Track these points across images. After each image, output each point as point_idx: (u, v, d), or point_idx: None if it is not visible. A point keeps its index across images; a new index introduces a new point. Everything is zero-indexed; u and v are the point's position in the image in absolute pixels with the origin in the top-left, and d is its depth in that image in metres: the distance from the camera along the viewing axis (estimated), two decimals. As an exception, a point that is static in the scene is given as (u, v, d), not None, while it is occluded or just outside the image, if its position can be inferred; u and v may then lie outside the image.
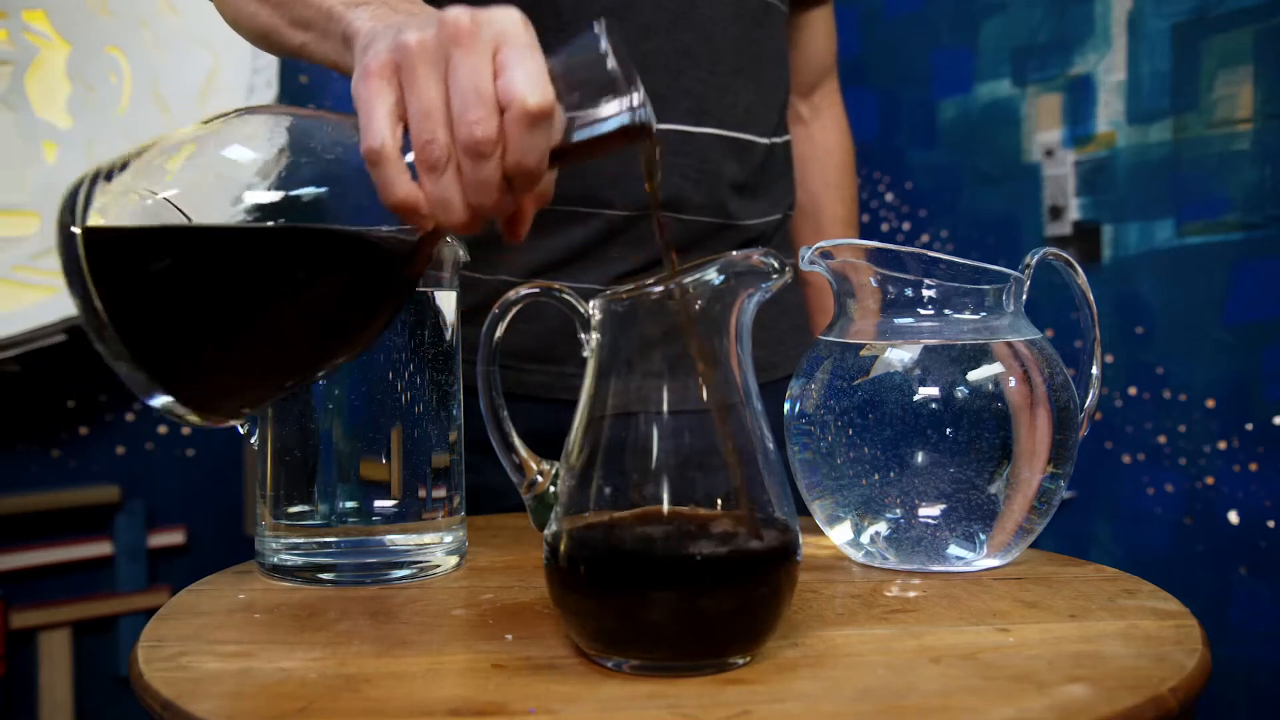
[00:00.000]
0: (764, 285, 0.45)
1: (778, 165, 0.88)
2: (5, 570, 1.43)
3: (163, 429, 1.59)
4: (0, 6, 1.41)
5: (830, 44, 1.00)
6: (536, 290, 0.52)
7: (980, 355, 0.57)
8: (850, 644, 0.47)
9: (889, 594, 0.54)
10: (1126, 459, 1.17)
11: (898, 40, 1.39)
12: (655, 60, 0.79)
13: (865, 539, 0.58)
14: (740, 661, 0.44)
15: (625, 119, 0.43)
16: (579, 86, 0.44)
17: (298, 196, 0.44)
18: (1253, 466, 1.08)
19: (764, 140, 0.85)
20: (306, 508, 0.59)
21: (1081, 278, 0.62)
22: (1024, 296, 0.60)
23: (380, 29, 0.46)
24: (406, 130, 0.43)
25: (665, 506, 0.43)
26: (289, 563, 0.59)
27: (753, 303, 0.46)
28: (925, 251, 0.57)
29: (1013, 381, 0.56)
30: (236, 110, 0.46)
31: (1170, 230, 1.14)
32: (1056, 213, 1.24)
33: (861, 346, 0.58)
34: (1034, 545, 0.62)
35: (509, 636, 0.48)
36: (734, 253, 0.44)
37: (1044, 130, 1.25)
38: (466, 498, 0.63)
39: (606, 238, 0.80)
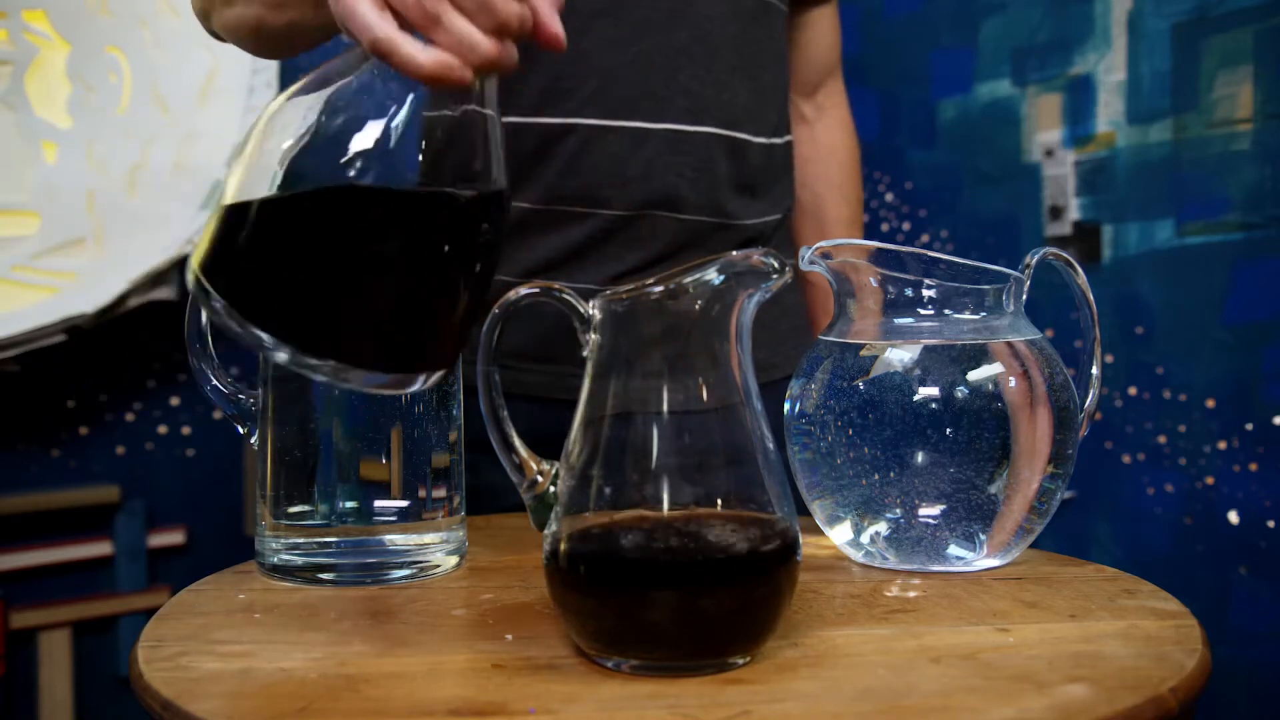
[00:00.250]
0: (764, 285, 0.45)
1: (777, 165, 0.88)
2: (5, 570, 1.43)
3: (163, 429, 1.59)
4: (0, 7, 1.41)
5: (834, 43, 1.00)
6: (536, 290, 0.52)
7: (980, 355, 0.57)
8: (850, 644, 0.47)
9: (889, 594, 0.54)
10: (1126, 459, 1.17)
11: (898, 40, 1.39)
12: (651, 58, 0.79)
13: (865, 539, 0.58)
14: (740, 661, 0.44)
15: None
16: None
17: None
18: (1253, 466, 1.08)
19: (763, 140, 0.85)
20: (306, 508, 0.59)
21: (1081, 278, 0.62)
22: (1024, 296, 0.60)
23: None
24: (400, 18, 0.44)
25: (665, 506, 0.43)
26: (289, 563, 0.59)
27: (753, 303, 0.46)
28: (925, 251, 0.57)
29: (1013, 381, 0.56)
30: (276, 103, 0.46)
31: (1170, 230, 1.14)
32: (1056, 213, 1.24)
33: (861, 346, 0.58)
34: (1034, 545, 0.62)
35: (509, 636, 0.48)
36: (734, 253, 0.44)
37: (1044, 130, 1.25)
38: (466, 498, 0.63)
39: (605, 237, 0.80)
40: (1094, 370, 0.63)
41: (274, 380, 0.59)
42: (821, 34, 0.98)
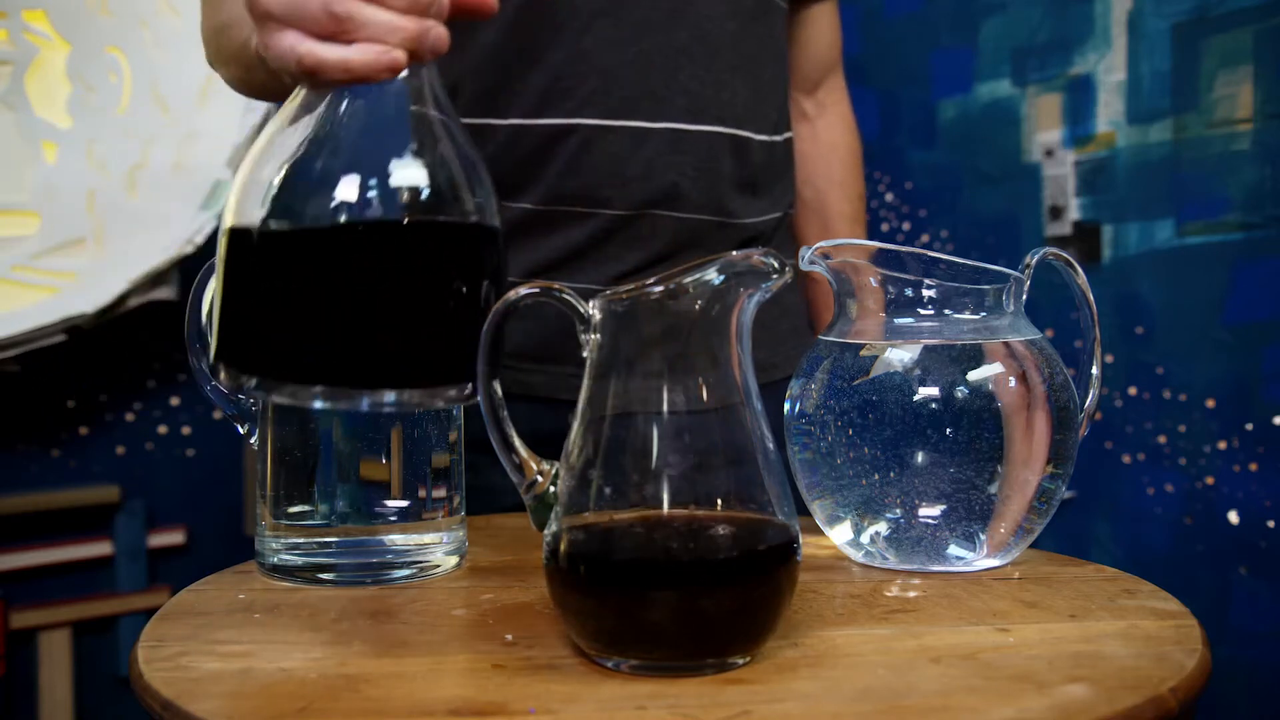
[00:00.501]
0: (764, 285, 0.45)
1: (778, 163, 0.88)
2: (5, 570, 1.43)
3: (163, 429, 1.59)
4: (0, 7, 1.41)
5: (834, 40, 1.00)
6: (536, 290, 0.52)
7: (980, 355, 0.57)
8: (850, 644, 0.47)
9: (889, 594, 0.54)
10: (1126, 459, 1.17)
11: (898, 40, 1.39)
12: (651, 58, 0.79)
13: (865, 539, 0.58)
14: (740, 661, 0.44)
15: None
16: None
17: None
18: (1253, 466, 1.08)
19: (764, 137, 0.84)
20: (306, 508, 0.59)
21: (1081, 278, 0.62)
22: (1024, 296, 0.60)
23: None
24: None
25: (665, 506, 0.43)
26: (289, 563, 0.59)
27: (753, 303, 0.46)
28: (925, 251, 0.57)
29: (1013, 381, 0.56)
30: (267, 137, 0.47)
31: (1170, 230, 1.14)
32: (1056, 213, 1.24)
33: (861, 346, 0.58)
34: (1034, 545, 0.62)
35: (509, 636, 0.48)
36: (734, 253, 0.44)
37: (1044, 130, 1.25)
38: (466, 498, 0.63)
39: (606, 237, 0.80)
40: (1094, 370, 0.63)
41: (274, 380, 0.59)
42: (821, 31, 0.98)
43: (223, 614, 0.53)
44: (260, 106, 1.45)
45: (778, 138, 0.87)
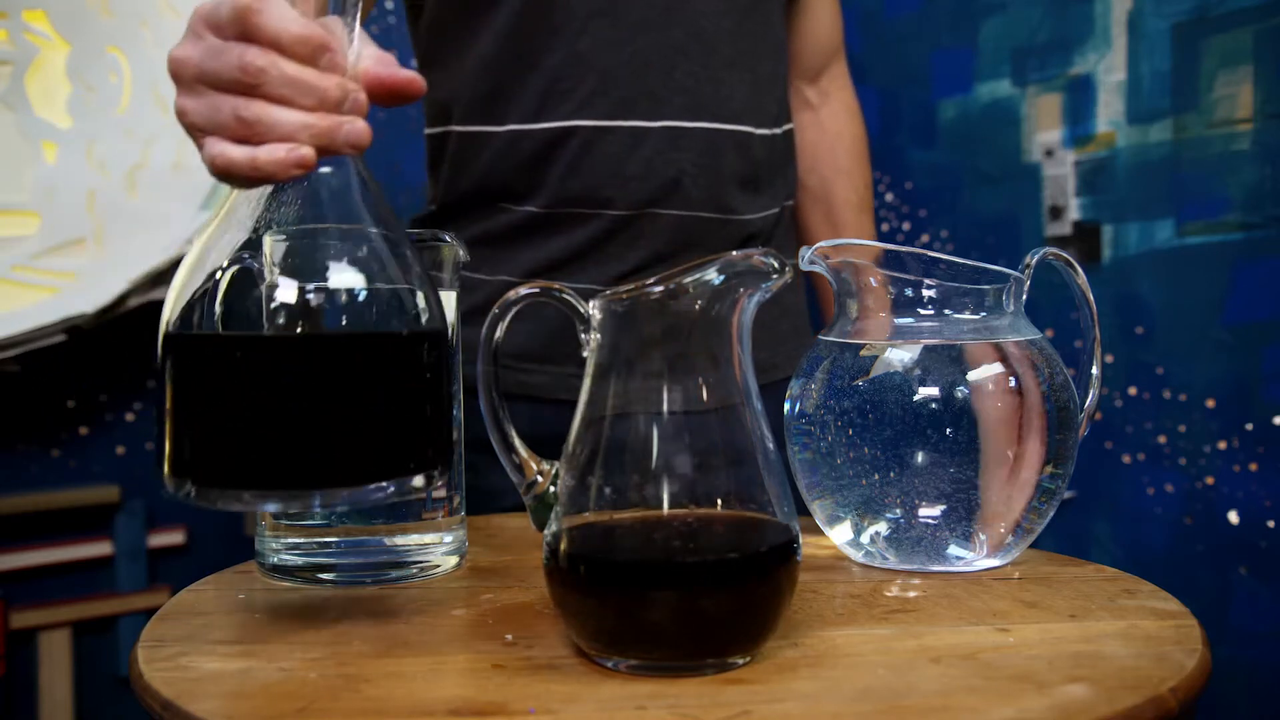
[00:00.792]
0: (764, 285, 0.45)
1: (778, 157, 0.87)
2: (5, 570, 1.43)
3: (163, 429, 1.59)
4: (0, 7, 1.41)
5: (835, 26, 0.99)
6: (536, 290, 0.52)
7: (980, 355, 0.57)
8: (850, 644, 0.47)
9: (889, 594, 0.54)
10: (1126, 459, 1.17)
11: (898, 40, 1.39)
12: (647, 58, 0.79)
13: (865, 539, 0.58)
14: (740, 661, 0.44)
15: None
16: None
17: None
18: (1253, 466, 1.08)
19: (764, 131, 0.84)
20: (306, 508, 0.59)
21: (1081, 278, 0.62)
22: (1024, 296, 0.60)
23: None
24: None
25: (665, 506, 0.43)
26: (289, 563, 0.59)
27: (753, 303, 0.46)
28: (925, 251, 0.57)
29: (1013, 381, 0.56)
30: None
31: (1170, 230, 1.14)
32: (1056, 213, 1.24)
33: (861, 346, 0.58)
34: (1034, 545, 0.62)
35: (509, 636, 0.48)
36: (734, 252, 0.44)
37: (1044, 130, 1.25)
38: (466, 498, 0.63)
39: (606, 237, 0.80)
40: (1094, 370, 0.63)
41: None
42: (821, 18, 0.97)
43: (223, 614, 0.53)
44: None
45: (778, 131, 0.87)
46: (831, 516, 0.59)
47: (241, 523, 1.61)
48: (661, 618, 0.42)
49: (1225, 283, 1.10)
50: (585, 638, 0.45)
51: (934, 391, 0.55)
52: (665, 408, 0.44)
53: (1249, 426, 1.08)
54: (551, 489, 0.54)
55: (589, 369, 0.47)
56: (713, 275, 0.44)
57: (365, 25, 0.54)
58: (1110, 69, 1.18)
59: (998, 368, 0.56)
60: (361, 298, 0.46)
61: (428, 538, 0.60)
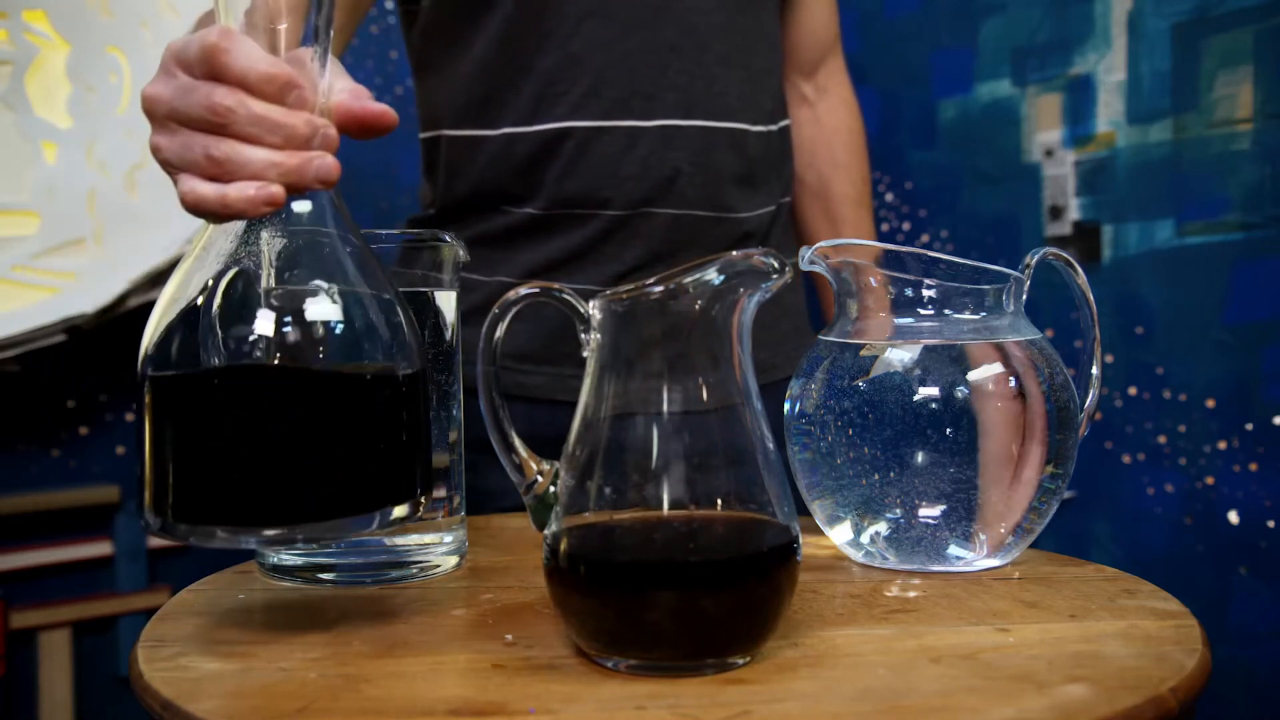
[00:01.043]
0: (764, 285, 0.45)
1: (775, 153, 0.87)
2: (5, 570, 1.43)
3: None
4: (1, 7, 1.41)
5: (831, 21, 0.99)
6: (536, 290, 0.52)
7: (980, 355, 0.57)
8: (850, 644, 0.47)
9: (889, 594, 0.54)
10: (1126, 459, 1.17)
11: (898, 40, 1.39)
12: (639, 57, 0.79)
13: (865, 539, 0.58)
14: (740, 661, 0.44)
15: None
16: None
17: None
18: (1253, 466, 1.08)
19: (760, 128, 0.84)
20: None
21: (1081, 278, 0.62)
22: (1024, 296, 0.60)
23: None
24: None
25: (665, 507, 0.43)
26: (289, 563, 0.59)
27: (753, 303, 0.46)
28: (925, 251, 0.57)
29: (1013, 381, 0.56)
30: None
31: (1170, 230, 1.14)
32: (1056, 213, 1.24)
33: (861, 346, 0.58)
34: (1034, 545, 0.62)
35: (509, 636, 0.48)
36: (734, 252, 0.44)
37: (1044, 130, 1.25)
38: (466, 498, 0.63)
39: (602, 237, 0.80)
40: (1094, 370, 0.63)
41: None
42: (816, 12, 0.97)
43: (223, 614, 0.53)
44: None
45: (773, 127, 0.86)
46: (831, 516, 0.59)
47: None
48: (661, 618, 0.42)
49: (1225, 283, 1.10)
50: (585, 638, 0.45)
51: (934, 391, 0.55)
52: (665, 408, 0.44)
53: (1249, 426, 1.08)
54: (551, 489, 0.54)
55: (589, 369, 0.47)
56: (713, 275, 0.44)
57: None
58: (1110, 69, 1.18)
59: (998, 368, 0.56)
60: (335, 332, 0.46)
61: (428, 538, 0.60)
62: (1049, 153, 1.25)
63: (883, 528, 0.57)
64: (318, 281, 0.46)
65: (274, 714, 0.40)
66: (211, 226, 0.47)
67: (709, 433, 0.44)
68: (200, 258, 0.47)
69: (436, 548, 0.60)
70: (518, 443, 0.55)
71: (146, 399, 0.45)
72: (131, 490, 1.54)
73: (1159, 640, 0.47)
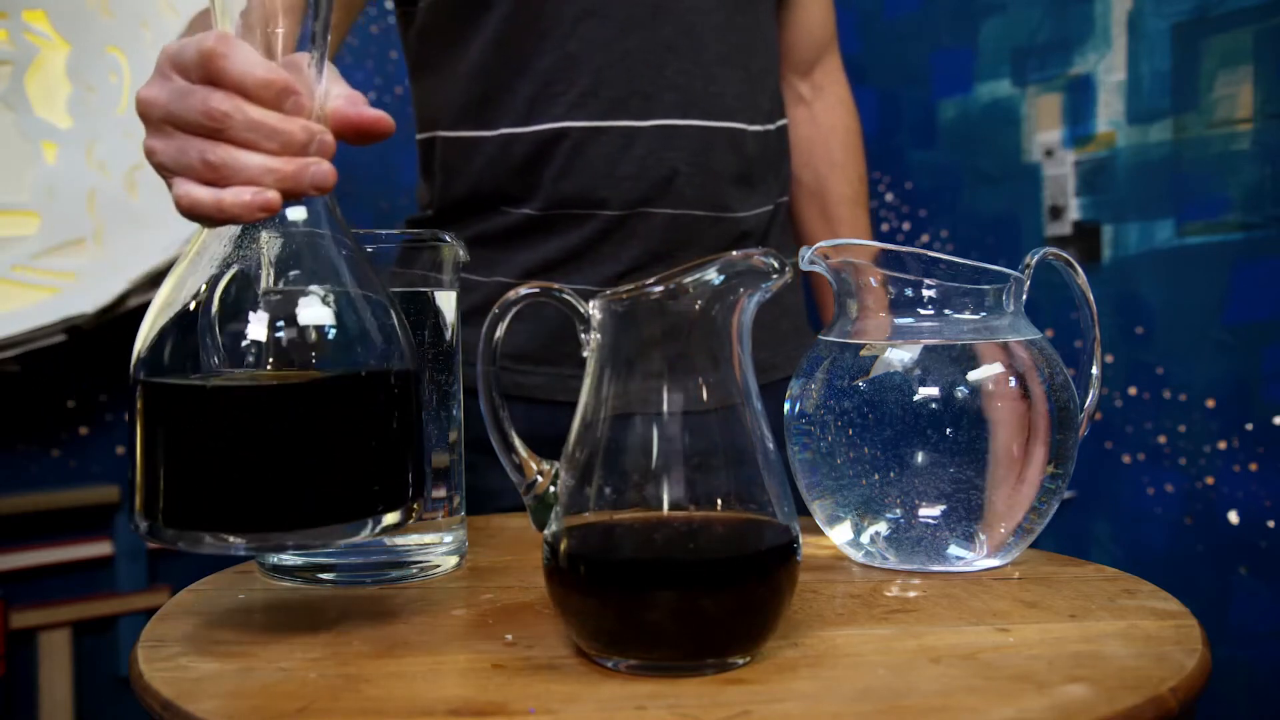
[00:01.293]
0: (764, 285, 0.45)
1: (772, 153, 0.87)
2: (5, 570, 1.43)
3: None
4: (1, 7, 1.41)
5: (827, 19, 0.99)
6: (536, 290, 0.52)
7: (980, 355, 0.57)
8: (850, 644, 0.47)
9: (889, 594, 0.54)
10: (1126, 459, 1.17)
11: (898, 40, 1.39)
12: (637, 57, 0.79)
13: (865, 539, 0.58)
14: (740, 661, 0.44)
15: None
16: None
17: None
18: (1253, 466, 1.08)
19: (757, 128, 0.84)
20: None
21: (1081, 278, 0.62)
22: (1024, 296, 0.60)
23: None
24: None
25: (665, 507, 0.43)
26: (289, 563, 0.59)
27: (753, 303, 0.46)
28: (925, 251, 0.57)
29: (1012, 381, 0.56)
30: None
31: (1170, 230, 1.14)
32: (1056, 213, 1.24)
33: (861, 346, 0.58)
34: (1034, 545, 0.62)
35: (509, 636, 0.48)
36: (734, 252, 0.44)
37: (1044, 130, 1.25)
38: (466, 498, 0.63)
39: (600, 238, 0.80)
40: (1094, 370, 0.63)
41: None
42: (813, 11, 0.97)
43: (223, 614, 0.53)
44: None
45: (771, 127, 0.86)
46: (831, 516, 0.59)
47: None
48: (661, 618, 0.42)
49: (1225, 283, 1.10)
50: (585, 638, 0.45)
51: (934, 391, 0.55)
52: (665, 408, 0.44)
53: (1249, 426, 1.08)
54: (551, 489, 0.54)
55: (589, 369, 0.47)
56: (713, 275, 0.44)
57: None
58: (1110, 69, 1.18)
59: (998, 368, 0.56)
60: (328, 338, 0.46)
61: (428, 538, 0.60)
62: (1049, 153, 1.25)
63: (883, 528, 0.57)
64: (312, 287, 0.46)
65: (274, 714, 0.40)
66: (206, 230, 0.47)
67: (709, 433, 0.44)
68: (194, 262, 0.47)
69: (436, 548, 0.60)
70: (518, 443, 0.55)
71: (138, 403, 0.45)
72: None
73: (1159, 640, 0.47)
